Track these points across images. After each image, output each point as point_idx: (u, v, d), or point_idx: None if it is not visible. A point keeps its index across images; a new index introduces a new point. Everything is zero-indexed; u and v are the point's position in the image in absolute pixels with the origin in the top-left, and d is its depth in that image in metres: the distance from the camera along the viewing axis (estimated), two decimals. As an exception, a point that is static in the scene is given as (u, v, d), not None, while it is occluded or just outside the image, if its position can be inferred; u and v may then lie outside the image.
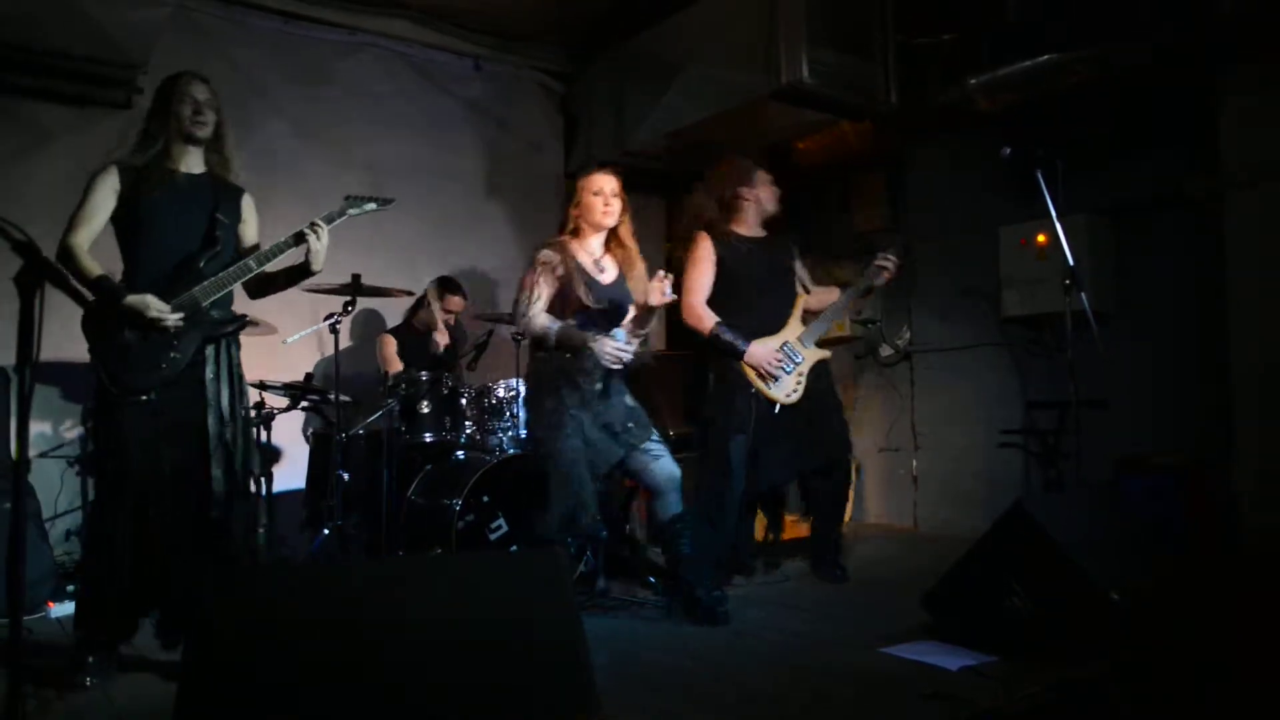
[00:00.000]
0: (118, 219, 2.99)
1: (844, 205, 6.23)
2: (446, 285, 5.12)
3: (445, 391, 4.43)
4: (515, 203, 6.20)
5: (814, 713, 2.58)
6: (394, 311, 5.52)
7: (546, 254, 3.54)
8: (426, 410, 4.37)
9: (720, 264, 4.06)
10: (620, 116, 5.84)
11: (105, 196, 2.97)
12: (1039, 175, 3.92)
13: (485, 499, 4.13)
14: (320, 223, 3.12)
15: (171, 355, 2.96)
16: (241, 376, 3.15)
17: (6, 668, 2.07)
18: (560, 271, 3.51)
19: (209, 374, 3.03)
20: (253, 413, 4.41)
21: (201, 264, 3.02)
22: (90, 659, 2.86)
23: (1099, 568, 2.87)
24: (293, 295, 4.46)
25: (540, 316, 3.51)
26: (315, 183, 5.21)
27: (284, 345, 4.65)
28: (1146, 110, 4.71)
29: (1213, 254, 4.42)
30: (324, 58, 5.53)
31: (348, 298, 4.30)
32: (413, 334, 5.18)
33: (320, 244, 3.12)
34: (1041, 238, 4.90)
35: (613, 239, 3.66)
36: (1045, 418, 4.87)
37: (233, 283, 3.04)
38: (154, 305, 2.89)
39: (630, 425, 3.56)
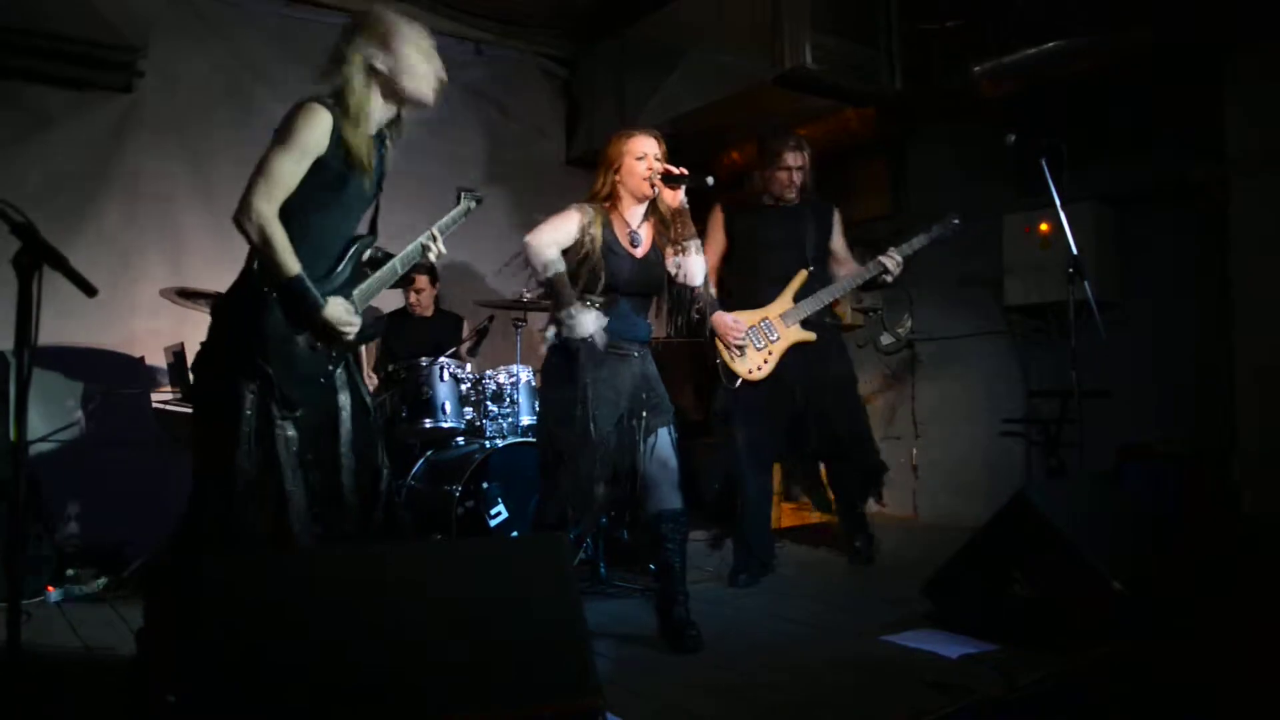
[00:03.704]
0: (306, 181, 2.51)
1: (844, 192, 6.19)
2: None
3: (444, 378, 4.41)
4: (516, 188, 6.17)
5: (814, 700, 2.57)
6: (393, 298, 5.50)
7: (587, 209, 3.18)
8: (426, 396, 4.36)
9: (730, 235, 4.15)
10: (622, 102, 5.81)
11: (312, 147, 2.48)
12: (1043, 163, 3.90)
13: (485, 485, 4.12)
14: (436, 236, 2.92)
15: (329, 368, 2.65)
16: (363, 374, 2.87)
17: (7, 647, 2.07)
18: (592, 233, 3.13)
19: (340, 376, 2.72)
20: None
21: (365, 256, 2.72)
22: None
23: (1100, 556, 2.87)
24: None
25: (549, 249, 3.11)
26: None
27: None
28: (1151, 98, 4.68)
29: (1217, 243, 4.41)
30: (325, 42, 5.43)
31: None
32: (408, 319, 5.17)
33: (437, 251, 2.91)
34: (1045, 226, 4.88)
35: (653, 212, 3.27)
36: (1047, 406, 4.85)
37: (384, 286, 2.76)
38: (352, 320, 2.57)
39: (645, 414, 3.18)
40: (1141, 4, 4.22)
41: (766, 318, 4.03)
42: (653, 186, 3.16)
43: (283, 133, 2.53)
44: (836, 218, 4.26)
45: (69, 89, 4.69)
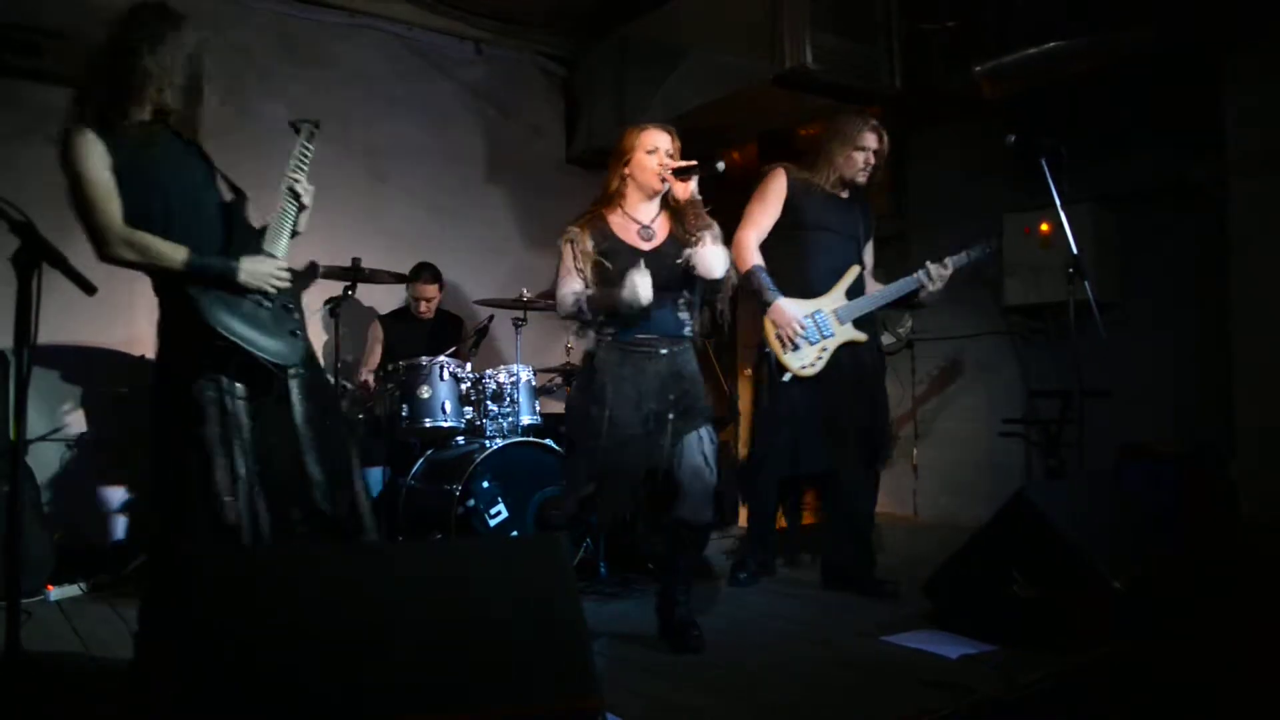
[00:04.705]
0: (128, 188, 2.53)
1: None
2: (415, 271, 5.08)
3: (445, 377, 4.41)
4: (515, 188, 6.17)
5: (813, 700, 2.57)
6: (393, 297, 5.52)
7: (569, 231, 3.10)
8: (426, 396, 4.35)
9: (788, 206, 3.82)
10: (622, 101, 5.80)
11: (100, 166, 2.50)
12: (1043, 163, 3.89)
13: (485, 484, 4.12)
14: (297, 176, 2.81)
15: (295, 319, 2.66)
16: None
17: (6, 646, 2.07)
18: (589, 244, 3.05)
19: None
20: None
21: (246, 216, 2.72)
22: None
23: (1100, 556, 2.87)
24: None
25: (566, 287, 3.06)
26: (314, 166, 5.18)
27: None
28: (1151, 98, 4.69)
29: (1217, 243, 4.41)
30: (324, 40, 5.49)
31: (348, 282, 4.29)
32: (408, 319, 5.18)
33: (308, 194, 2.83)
34: (1045, 226, 4.88)
35: (665, 205, 3.18)
36: (1047, 407, 4.85)
37: (287, 227, 2.72)
38: (275, 269, 2.59)
39: (672, 416, 3.04)
40: (1141, 4, 4.22)
41: (820, 310, 3.78)
42: (663, 181, 3.08)
43: (66, 170, 2.51)
44: (871, 222, 4.04)
45: (68, 86, 4.66)
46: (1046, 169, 3.88)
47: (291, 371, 2.67)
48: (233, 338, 2.52)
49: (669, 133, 3.15)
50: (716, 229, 3.10)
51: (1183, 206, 4.67)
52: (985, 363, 5.54)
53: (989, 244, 3.98)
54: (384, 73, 5.68)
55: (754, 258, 3.77)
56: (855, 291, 3.86)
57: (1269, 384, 4.15)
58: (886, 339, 5.82)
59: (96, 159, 2.50)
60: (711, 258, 3.03)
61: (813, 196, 3.82)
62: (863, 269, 3.92)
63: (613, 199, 3.16)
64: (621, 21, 5.81)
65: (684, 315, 3.15)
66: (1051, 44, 4.46)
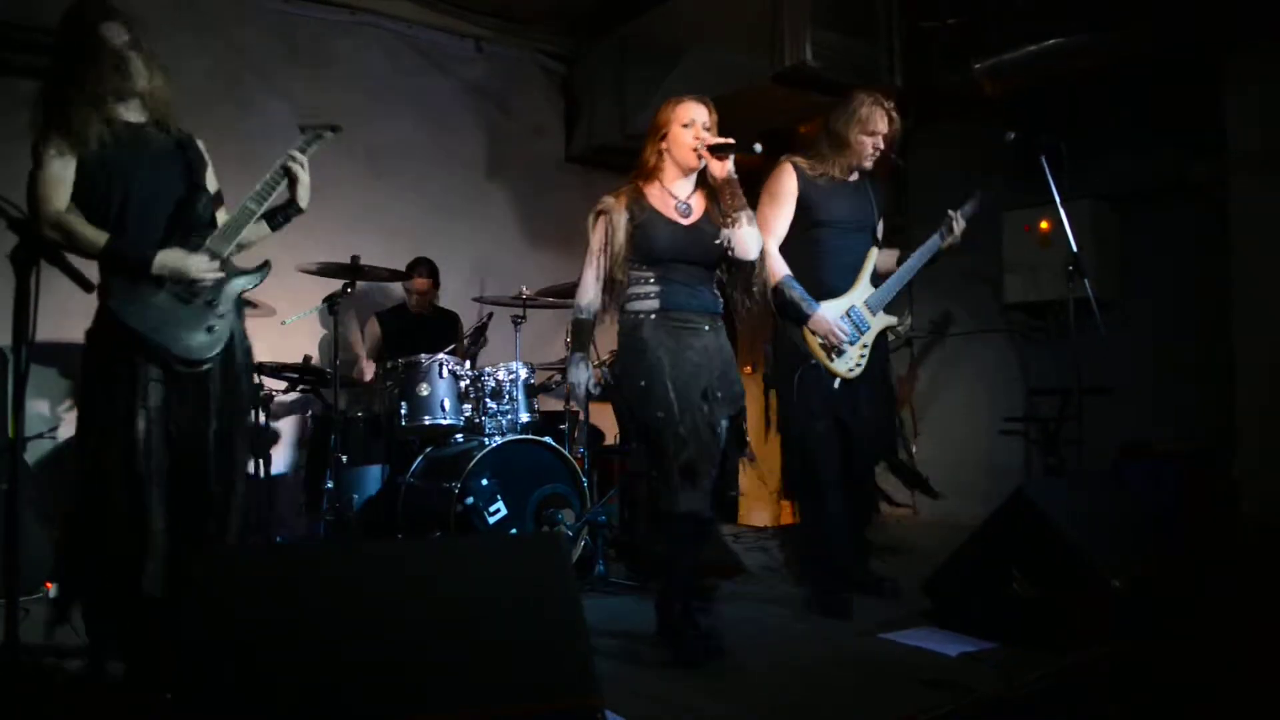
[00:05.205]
0: (77, 188, 2.62)
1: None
2: (411, 265, 5.10)
3: (444, 375, 4.40)
4: (515, 186, 6.16)
5: (813, 698, 2.57)
6: (392, 296, 5.51)
7: (604, 202, 3.04)
8: (425, 393, 4.35)
9: (800, 202, 3.65)
10: (622, 99, 5.80)
11: (57, 159, 2.59)
12: (1043, 160, 3.89)
13: (484, 482, 4.11)
14: (297, 154, 2.85)
15: (218, 315, 2.68)
16: (249, 347, 2.87)
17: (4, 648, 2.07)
18: (624, 218, 2.99)
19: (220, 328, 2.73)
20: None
21: (199, 210, 2.73)
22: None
23: (1100, 556, 2.87)
24: (292, 276, 4.47)
25: (587, 292, 3.07)
26: (314, 165, 5.17)
27: (282, 326, 4.62)
28: (1151, 97, 4.68)
29: (1217, 243, 4.41)
30: (325, 38, 5.49)
31: (347, 279, 4.29)
32: (405, 316, 5.18)
33: (306, 175, 2.87)
34: (1045, 223, 4.88)
35: (703, 182, 3.12)
36: (1047, 405, 4.85)
37: (243, 227, 2.73)
38: (194, 262, 2.59)
39: (719, 394, 3.02)
40: (1142, 3, 4.21)
41: (854, 305, 3.65)
42: (699, 158, 3.03)
43: (33, 158, 2.63)
44: (881, 200, 3.88)
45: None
46: (1046, 166, 3.88)
47: (206, 366, 2.68)
48: (131, 325, 2.55)
49: (706, 104, 3.10)
50: (750, 210, 3.07)
51: (1184, 203, 4.67)
52: (985, 361, 5.54)
53: (978, 195, 3.86)
54: (384, 70, 5.67)
55: (781, 267, 3.59)
56: (878, 276, 3.76)
57: (1269, 384, 4.15)
58: None
59: (54, 153, 2.60)
60: (748, 239, 3.04)
61: (822, 189, 3.67)
62: (879, 247, 3.80)
63: (650, 174, 3.12)
64: (622, 20, 5.81)
65: (719, 293, 3.17)
66: (1051, 42, 4.46)
